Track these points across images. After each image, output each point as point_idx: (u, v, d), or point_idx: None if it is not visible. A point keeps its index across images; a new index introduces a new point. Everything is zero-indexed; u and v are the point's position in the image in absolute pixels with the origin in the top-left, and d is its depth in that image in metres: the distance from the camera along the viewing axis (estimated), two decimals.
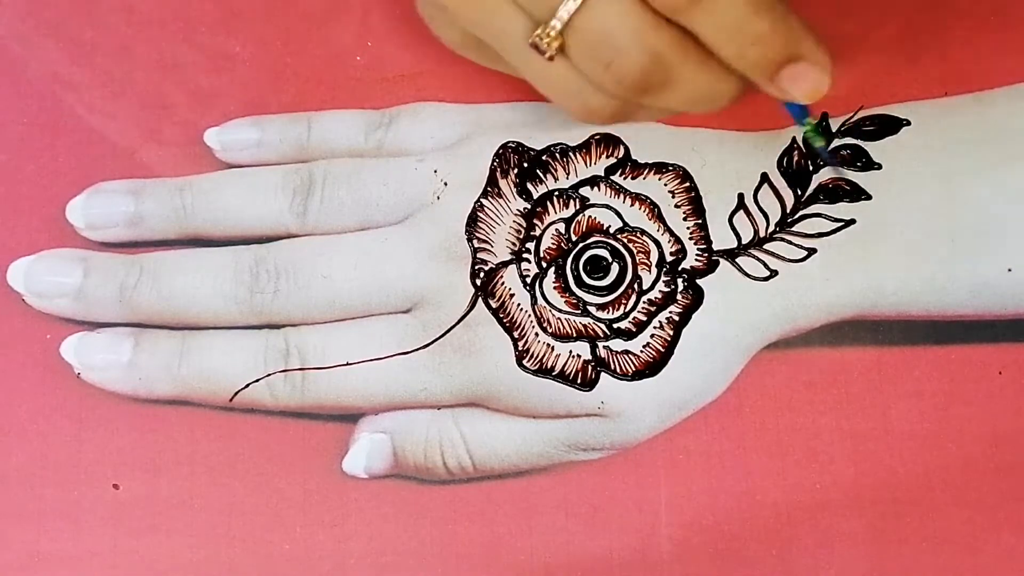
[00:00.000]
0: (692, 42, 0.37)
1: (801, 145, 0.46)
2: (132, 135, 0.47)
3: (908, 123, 0.46)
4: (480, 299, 0.45)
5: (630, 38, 0.37)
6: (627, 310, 0.45)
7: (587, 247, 0.45)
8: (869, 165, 0.46)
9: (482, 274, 0.45)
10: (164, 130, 0.47)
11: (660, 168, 0.46)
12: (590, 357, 0.44)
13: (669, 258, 0.45)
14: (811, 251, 0.45)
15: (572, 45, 0.37)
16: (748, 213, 0.46)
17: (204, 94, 0.48)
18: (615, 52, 0.37)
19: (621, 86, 0.37)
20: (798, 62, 0.38)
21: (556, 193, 0.46)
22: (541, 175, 0.46)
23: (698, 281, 0.45)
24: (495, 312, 0.45)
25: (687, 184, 0.46)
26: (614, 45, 0.37)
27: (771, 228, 0.45)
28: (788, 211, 0.46)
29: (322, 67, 0.48)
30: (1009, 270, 0.45)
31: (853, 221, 0.45)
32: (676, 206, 0.46)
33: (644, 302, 0.45)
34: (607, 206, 0.46)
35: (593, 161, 0.46)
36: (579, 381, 0.44)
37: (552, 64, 0.38)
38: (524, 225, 0.45)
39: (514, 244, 0.45)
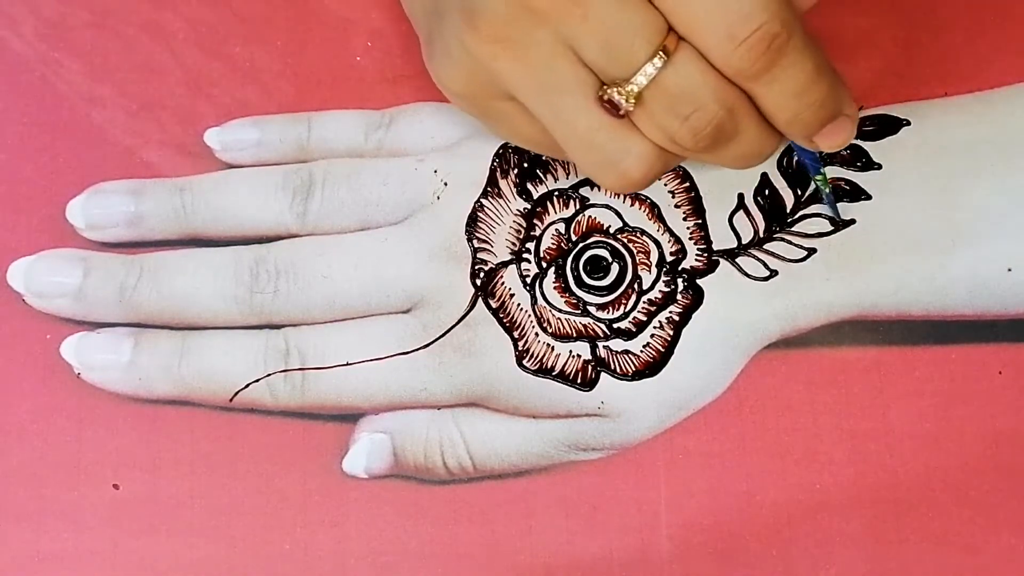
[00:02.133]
0: (752, 102, 0.38)
1: None
2: (132, 135, 0.47)
3: (908, 123, 0.46)
4: (480, 299, 0.45)
5: (710, 94, 0.37)
6: (627, 310, 0.45)
7: (587, 247, 0.45)
8: (869, 165, 0.46)
9: (482, 274, 0.45)
10: (164, 130, 0.47)
11: None
12: (590, 357, 0.44)
13: (669, 258, 0.45)
14: (811, 251, 0.45)
15: (651, 101, 0.38)
16: (748, 213, 0.46)
17: (204, 94, 0.48)
18: (694, 106, 0.38)
19: (696, 138, 0.38)
20: (837, 118, 0.39)
21: (556, 193, 0.46)
22: (541, 175, 0.46)
23: (698, 281, 0.45)
24: (495, 312, 0.45)
25: (687, 184, 0.46)
26: (694, 100, 0.37)
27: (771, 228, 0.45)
28: (788, 211, 0.46)
29: (322, 67, 0.48)
30: (1009, 270, 0.45)
31: (853, 221, 0.45)
32: (676, 206, 0.46)
33: (644, 302, 0.45)
34: (607, 206, 0.46)
35: None
36: (579, 381, 0.44)
37: (601, 131, 0.38)
38: (524, 225, 0.45)
39: (514, 244, 0.45)
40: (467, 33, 0.38)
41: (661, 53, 0.37)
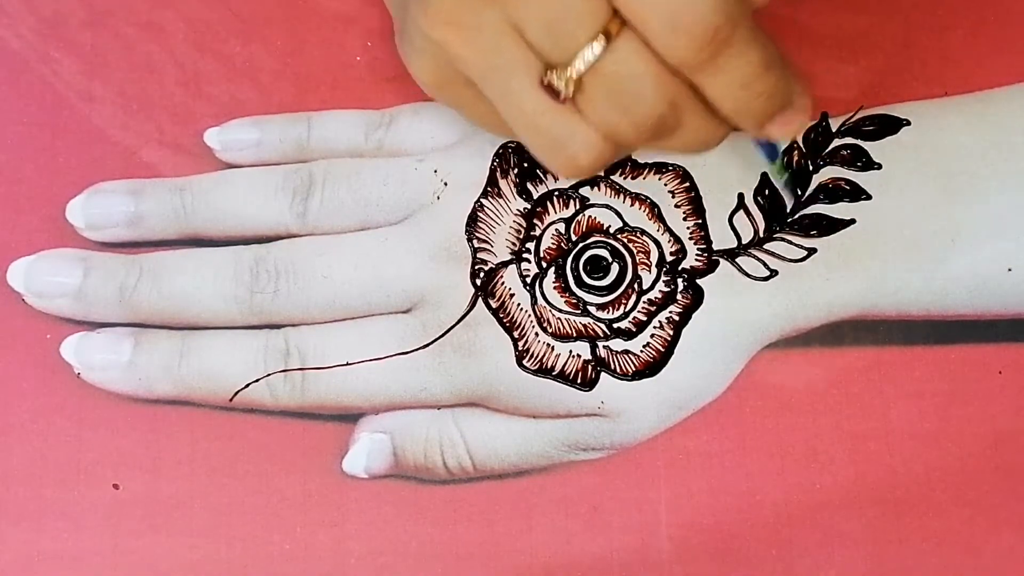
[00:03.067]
0: (697, 92, 0.38)
1: (801, 145, 0.46)
2: (132, 135, 0.47)
3: (908, 123, 0.46)
4: (480, 299, 0.45)
5: (651, 85, 0.37)
6: (627, 310, 0.45)
7: (587, 247, 0.45)
8: (869, 165, 0.46)
9: (482, 274, 0.45)
10: (164, 130, 0.47)
11: (660, 168, 0.46)
12: (590, 357, 0.44)
13: (669, 258, 0.45)
14: (811, 251, 0.45)
15: (591, 87, 0.37)
16: (748, 213, 0.46)
17: (203, 94, 0.48)
18: (635, 98, 0.37)
19: (636, 130, 0.38)
20: (787, 109, 0.39)
21: (556, 193, 0.46)
22: (541, 175, 0.46)
23: (698, 281, 0.45)
24: (495, 312, 0.45)
25: (687, 184, 0.46)
26: (635, 91, 0.37)
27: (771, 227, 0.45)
28: (788, 212, 0.46)
29: (321, 67, 0.48)
30: (1009, 270, 0.45)
31: (853, 221, 0.45)
32: (676, 206, 0.46)
33: (644, 302, 0.45)
34: (607, 206, 0.46)
35: None
36: (579, 381, 0.44)
37: (546, 114, 0.38)
38: (524, 225, 0.45)
39: (514, 244, 0.45)
40: (422, 18, 0.38)
41: (602, 37, 0.36)
